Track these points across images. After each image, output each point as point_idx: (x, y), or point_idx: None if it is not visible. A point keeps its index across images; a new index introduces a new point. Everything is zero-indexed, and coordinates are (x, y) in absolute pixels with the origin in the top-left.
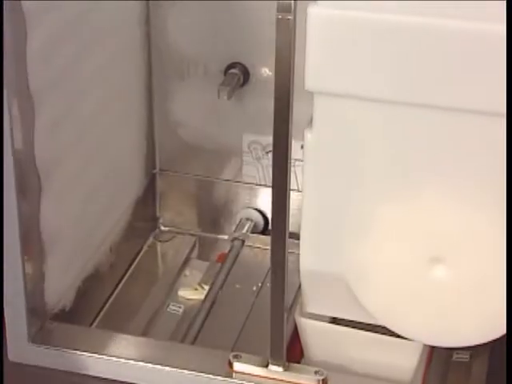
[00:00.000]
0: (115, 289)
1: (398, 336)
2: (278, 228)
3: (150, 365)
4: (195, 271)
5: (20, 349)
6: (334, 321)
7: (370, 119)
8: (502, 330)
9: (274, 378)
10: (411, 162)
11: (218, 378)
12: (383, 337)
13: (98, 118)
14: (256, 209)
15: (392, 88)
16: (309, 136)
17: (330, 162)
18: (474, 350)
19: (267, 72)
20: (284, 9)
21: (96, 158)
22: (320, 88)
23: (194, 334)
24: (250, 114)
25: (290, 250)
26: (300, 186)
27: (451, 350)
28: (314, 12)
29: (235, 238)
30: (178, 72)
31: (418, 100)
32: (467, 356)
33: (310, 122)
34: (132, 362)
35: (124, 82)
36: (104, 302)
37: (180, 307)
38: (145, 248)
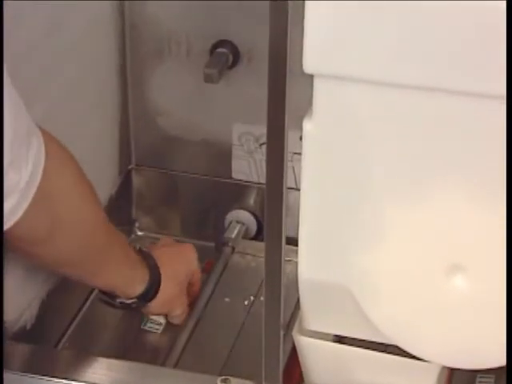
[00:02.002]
0: (84, 303)
1: (413, 357)
2: (272, 232)
3: None
4: None
5: None
6: (339, 339)
7: (377, 106)
8: None
9: None
10: (424, 156)
11: None
12: (395, 358)
13: (64, 104)
14: (247, 210)
15: (400, 70)
16: (308, 126)
17: (332, 156)
18: (499, 372)
19: (260, 51)
20: None
21: None
22: (320, 70)
23: (177, 356)
24: (240, 100)
25: (286, 258)
26: (298, 184)
27: (474, 373)
28: None
29: (224, 244)
30: (156, 51)
31: (428, 83)
32: (492, 379)
33: (310, 110)
34: None
35: (93, 63)
36: (72, 318)
37: (159, 324)
38: None
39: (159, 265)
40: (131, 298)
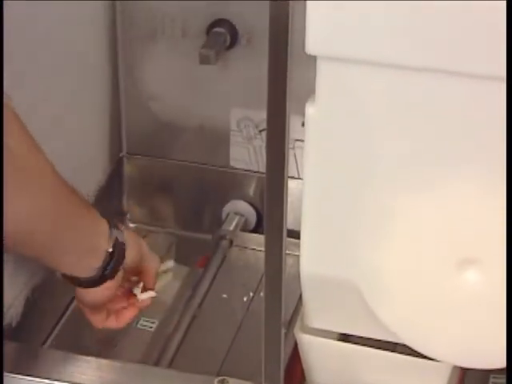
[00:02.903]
0: (73, 299)
1: (423, 356)
2: (273, 224)
3: None
4: (172, 278)
5: None
6: (344, 338)
7: (382, 89)
8: None
9: None
10: (431, 142)
11: None
12: (404, 357)
13: (50, 88)
14: (246, 201)
15: (405, 51)
16: (311, 110)
17: (336, 142)
18: None
19: (260, 31)
20: None
21: (48, 139)
22: (324, 51)
23: (171, 356)
24: (239, 83)
25: (288, 252)
26: (300, 173)
27: (487, 373)
28: None
29: (221, 237)
30: (149, 31)
31: (437, 65)
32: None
33: (313, 94)
34: None
35: (81, 44)
36: (59, 315)
37: (153, 323)
38: None
39: None
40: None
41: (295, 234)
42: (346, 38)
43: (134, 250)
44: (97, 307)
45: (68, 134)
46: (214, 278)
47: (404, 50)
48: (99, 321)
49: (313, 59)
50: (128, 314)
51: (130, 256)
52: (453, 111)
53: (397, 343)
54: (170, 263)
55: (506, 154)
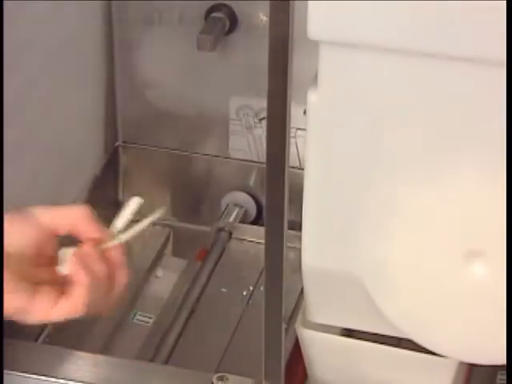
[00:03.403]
0: None
1: (428, 352)
2: (273, 216)
3: None
4: (169, 272)
5: None
6: (347, 333)
7: (387, 75)
8: None
9: None
10: (436, 130)
11: None
12: (409, 353)
13: (44, 75)
14: (246, 192)
15: (411, 36)
16: (313, 97)
17: (338, 131)
18: None
19: (260, 16)
20: None
21: (41, 127)
22: (326, 36)
23: (168, 351)
24: (238, 70)
25: (289, 244)
26: (302, 163)
27: (495, 369)
28: None
29: (220, 229)
30: (145, 17)
31: (441, 50)
32: None
33: (315, 80)
34: None
35: (76, 29)
36: None
37: (150, 317)
38: None
39: None
40: None
41: (296, 226)
42: (349, 23)
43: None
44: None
45: (62, 122)
46: (213, 271)
47: (408, 34)
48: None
49: (315, 44)
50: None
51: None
52: (458, 98)
53: (401, 338)
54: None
55: (505, 150)
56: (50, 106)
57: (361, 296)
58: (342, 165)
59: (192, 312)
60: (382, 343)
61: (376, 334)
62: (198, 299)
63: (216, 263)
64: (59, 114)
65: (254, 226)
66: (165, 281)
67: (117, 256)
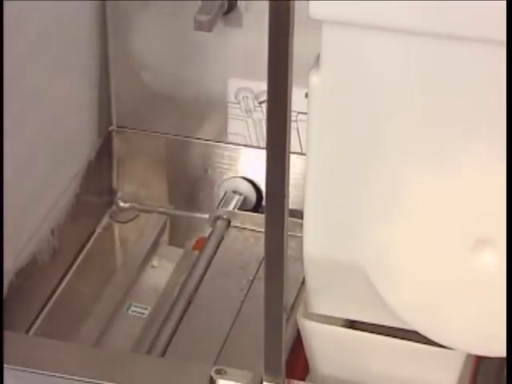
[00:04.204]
0: (59, 284)
1: (434, 344)
2: (274, 204)
3: (105, 383)
4: (166, 261)
5: None
6: (350, 324)
7: (393, 56)
8: None
9: None
10: (443, 113)
11: None
12: (414, 344)
13: (34, 57)
14: (245, 178)
15: (416, 15)
16: (315, 79)
17: (342, 115)
18: None
19: None
20: None
21: (33, 112)
22: (329, 15)
23: (164, 344)
24: (237, 52)
25: (290, 233)
26: (303, 148)
27: (503, 362)
28: None
29: (218, 217)
30: None
31: (447, 30)
32: None
33: (317, 62)
34: (83, 379)
35: (69, 10)
36: (45, 301)
37: (145, 309)
38: (98, 230)
39: None
40: None
41: (298, 214)
42: (352, 2)
43: None
44: None
45: (54, 106)
46: (211, 260)
47: (413, 13)
48: None
49: (317, 24)
50: None
51: None
52: (465, 79)
53: (407, 330)
54: None
55: (505, 149)
56: (41, 90)
57: (364, 286)
58: (344, 150)
59: (189, 303)
60: (385, 335)
61: (379, 325)
62: (196, 290)
63: (214, 252)
64: (51, 99)
65: (254, 214)
66: (161, 271)
67: None
